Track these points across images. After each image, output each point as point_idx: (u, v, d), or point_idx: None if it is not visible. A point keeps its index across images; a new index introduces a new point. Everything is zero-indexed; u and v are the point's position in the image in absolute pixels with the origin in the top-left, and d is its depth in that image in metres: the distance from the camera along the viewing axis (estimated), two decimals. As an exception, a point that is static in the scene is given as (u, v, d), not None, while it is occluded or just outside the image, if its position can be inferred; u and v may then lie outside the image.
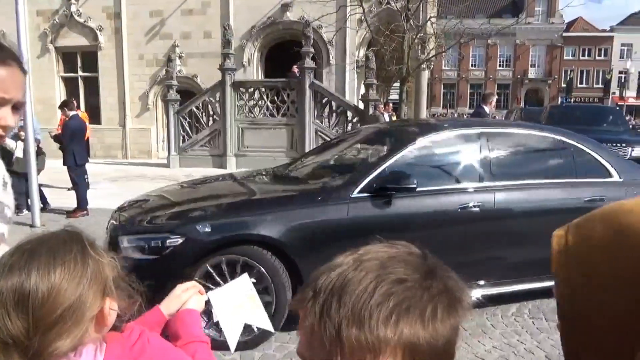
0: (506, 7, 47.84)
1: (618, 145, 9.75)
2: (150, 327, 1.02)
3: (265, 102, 13.52)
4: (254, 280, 1.24)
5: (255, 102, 13.70)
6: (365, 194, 3.61)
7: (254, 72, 17.18)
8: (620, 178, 4.36)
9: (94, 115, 16.47)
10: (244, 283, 1.21)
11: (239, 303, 1.16)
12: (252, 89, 13.73)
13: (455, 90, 50.34)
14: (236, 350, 3.59)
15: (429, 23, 11.84)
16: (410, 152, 3.93)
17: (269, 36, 17.14)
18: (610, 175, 4.37)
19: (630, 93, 43.99)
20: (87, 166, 8.16)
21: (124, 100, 17.29)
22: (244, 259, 3.36)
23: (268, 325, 1.19)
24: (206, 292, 1.18)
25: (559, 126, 7.85)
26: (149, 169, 13.52)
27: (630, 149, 9.71)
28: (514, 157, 4.42)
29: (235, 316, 1.14)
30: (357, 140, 5.25)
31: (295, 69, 14.10)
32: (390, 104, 14.65)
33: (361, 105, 13.32)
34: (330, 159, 5.10)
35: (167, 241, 3.30)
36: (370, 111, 12.42)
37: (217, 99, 13.63)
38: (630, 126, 13.78)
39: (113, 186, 10.34)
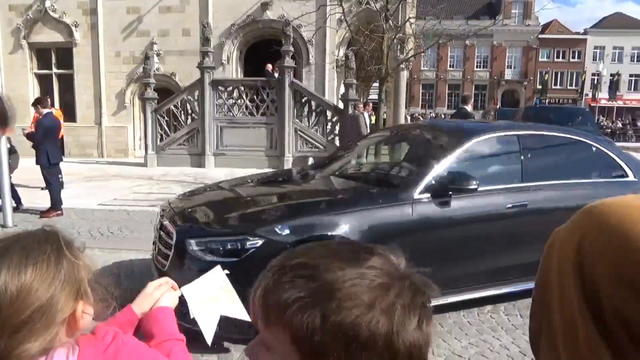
0: (483, 9, 48.54)
1: None
2: (122, 327, 1.00)
3: (244, 101, 13.44)
4: (228, 272, 1.21)
5: (234, 101, 13.61)
6: (426, 195, 3.71)
7: (233, 70, 17.06)
8: (635, 177, 4.59)
9: (69, 113, 16.13)
10: (218, 275, 1.19)
11: (214, 296, 1.14)
12: (231, 88, 13.64)
13: (433, 90, 50.86)
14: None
15: (407, 23, 11.93)
16: (460, 153, 4.06)
17: (248, 34, 17.04)
18: (627, 175, 4.60)
19: (603, 95, 45.07)
20: (62, 165, 7.99)
21: (100, 98, 16.97)
22: None
23: (245, 316, 1.17)
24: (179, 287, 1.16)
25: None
26: (125, 168, 13.31)
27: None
28: (548, 158, 4.63)
29: (210, 309, 1.13)
30: (395, 141, 5.36)
31: (269, 66, 14.07)
32: (370, 104, 14.72)
33: (341, 105, 13.35)
34: (377, 160, 5.18)
35: (247, 243, 3.25)
36: (350, 111, 12.46)
37: (196, 97, 13.50)
38: (599, 127, 14.31)
39: (88, 186, 10.15)
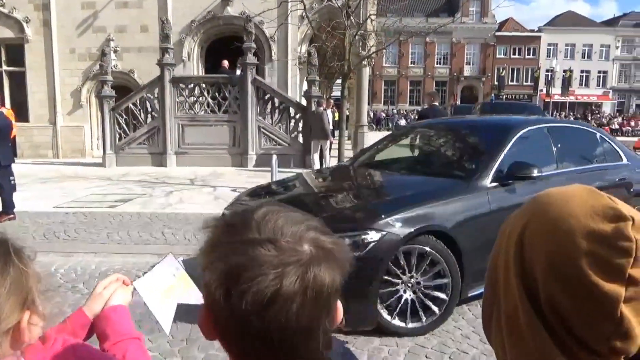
0: (443, 7, 49.48)
1: None
2: (74, 332, 0.97)
3: (206, 98, 13.24)
4: (183, 259, 1.19)
5: (195, 99, 13.38)
6: (495, 183, 4.04)
7: (194, 67, 16.76)
8: (628, 161, 5.42)
9: (21, 112, 15.47)
10: (171, 264, 1.16)
11: (168, 285, 1.11)
12: (192, 85, 13.41)
13: (395, 87, 51.54)
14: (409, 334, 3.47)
15: (369, 20, 12.02)
16: (512, 145, 4.41)
17: (209, 31, 16.77)
18: (622, 159, 5.39)
19: (556, 90, 46.76)
20: (14, 167, 7.65)
21: (54, 96, 16.34)
22: (428, 250, 3.53)
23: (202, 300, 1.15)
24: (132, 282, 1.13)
25: None
26: (83, 168, 12.89)
27: None
28: (571, 146, 5.13)
29: (166, 299, 1.10)
30: (436, 135, 5.62)
31: (225, 63, 13.91)
32: (332, 101, 14.78)
33: (304, 102, 13.35)
34: (432, 152, 5.42)
35: (367, 238, 3.33)
36: (313, 107, 12.47)
37: (156, 95, 13.21)
38: None
39: (43, 188, 9.77)
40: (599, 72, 52.18)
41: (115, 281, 1.10)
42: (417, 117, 10.57)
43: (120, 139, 13.23)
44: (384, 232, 3.36)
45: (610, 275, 0.57)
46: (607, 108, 51.01)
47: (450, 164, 4.92)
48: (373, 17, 12.93)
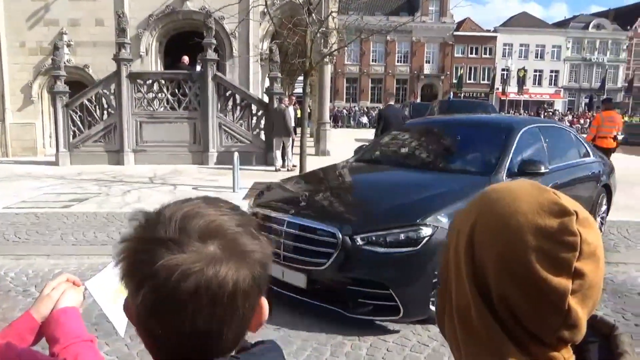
0: (403, 6, 50.26)
1: None
2: (21, 336, 0.92)
3: (165, 94, 12.94)
4: None
5: (154, 95, 13.06)
6: (509, 179, 4.31)
7: (153, 63, 16.35)
8: (594, 157, 6.08)
9: (-34, 108, 14.67)
10: None
11: (119, 286, 1.08)
12: (150, 81, 13.07)
13: (357, 84, 51.95)
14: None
15: (330, 18, 12.05)
16: (518, 142, 4.85)
17: (167, 25, 16.39)
18: (590, 155, 6.06)
19: (512, 89, 48.33)
20: (-42, 165, 7.26)
21: (2, 92, 15.55)
22: None
23: None
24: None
25: None
26: (34, 167, 12.36)
27: None
28: (555, 143, 5.54)
29: (120, 299, 1.06)
30: (443, 132, 5.85)
31: (185, 58, 13.65)
32: (294, 98, 14.75)
33: (266, 99, 13.26)
34: (445, 149, 5.53)
35: (422, 232, 3.45)
36: (275, 104, 12.41)
37: (112, 91, 12.80)
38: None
39: (-9, 187, 9.31)
40: (551, 71, 54.30)
41: (64, 282, 1.05)
42: (377, 115, 10.96)
43: (74, 136, 12.76)
44: (436, 227, 3.47)
45: (557, 270, 0.59)
46: (559, 106, 53.16)
47: (467, 161, 5.11)
48: (334, 14, 12.97)
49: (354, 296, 3.50)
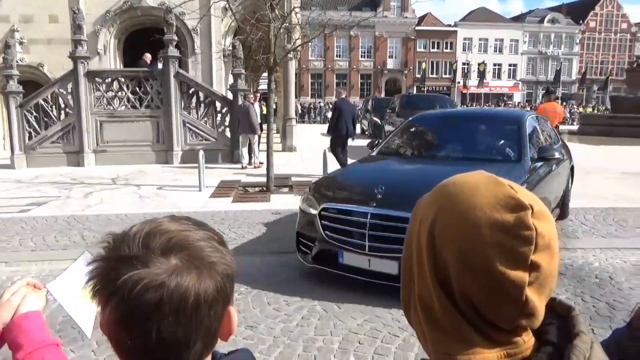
0: (365, 1, 50.53)
1: None
2: None
3: (125, 93, 12.60)
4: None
5: (114, 94, 12.69)
6: (531, 163, 5.10)
7: (111, 60, 15.90)
8: (561, 141, 7.04)
9: None
10: (87, 261, 1.08)
11: (83, 287, 1.04)
12: (110, 79, 12.69)
13: (322, 80, 52.02)
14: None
15: (293, 13, 12.00)
16: (528, 131, 5.52)
17: (126, 22, 15.96)
18: (559, 140, 7.06)
19: (472, 82, 49.47)
20: None
21: (-50, 92, 14.80)
22: None
23: None
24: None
25: (406, 112, 10.03)
26: (-12, 171, 11.82)
27: None
28: (543, 130, 6.40)
29: (85, 301, 1.02)
30: (461, 123, 6.32)
31: (147, 56, 13.34)
32: (259, 94, 14.63)
33: (230, 95, 13.10)
34: (462, 139, 5.90)
35: None
36: (240, 101, 12.28)
37: (69, 90, 12.36)
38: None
39: (-58, 193, 8.85)
40: (510, 65, 55.83)
41: (25, 286, 1.01)
42: (332, 108, 11.33)
43: (30, 137, 12.27)
44: None
45: (514, 264, 0.61)
46: (518, 98, 54.74)
47: (492, 150, 5.60)
48: (297, 9, 12.92)
49: None
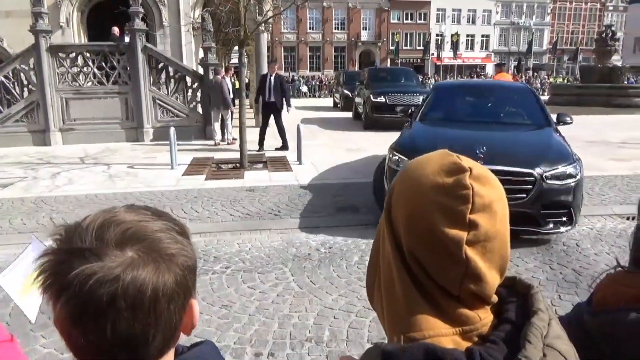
0: (337, -29, 49.55)
1: (412, 94, 14.10)
2: None
3: (91, 68, 12.15)
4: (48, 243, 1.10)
5: (79, 69, 12.23)
6: (553, 126, 6.06)
7: (75, 34, 15.29)
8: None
9: None
10: (36, 248, 1.04)
11: (31, 276, 1.01)
12: (74, 54, 12.20)
13: (295, 53, 51.22)
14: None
15: (263, -16, 11.69)
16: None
17: (89, -7, 15.31)
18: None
19: (446, 54, 49.50)
20: None
21: None
22: None
23: None
24: None
25: (375, 84, 10.98)
26: (-51, 152, 11.35)
27: (420, 96, 13.37)
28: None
29: (31, 289, 0.99)
30: (481, 94, 7.25)
31: (115, 29, 12.86)
32: (232, 69, 14.33)
33: (201, 70, 12.80)
34: (493, 106, 6.79)
35: (577, 167, 4.98)
36: (211, 76, 12.01)
37: (32, 66, 11.85)
38: (420, 81, 19.02)
39: None
40: (482, 36, 55.94)
41: None
42: (258, 84, 11.27)
43: (-8, 116, 11.78)
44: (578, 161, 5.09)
45: (453, 222, 0.64)
46: (490, 70, 55.11)
47: (523, 117, 6.55)
48: (268, -20, 12.59)
49: (545, 217, 4.82)
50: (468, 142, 5.28)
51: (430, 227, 0.64)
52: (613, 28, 24.84)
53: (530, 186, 4.73)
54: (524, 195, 4.72)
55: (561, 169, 4.88)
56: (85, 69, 12.23)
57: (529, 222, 4.76)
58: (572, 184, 4.86)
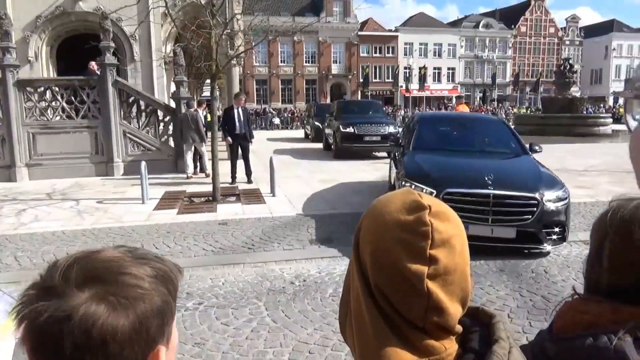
0: (308, 6, 50.84)
1: (378, 124, 14.97)
2: None
3: (60, 103, 12.00)
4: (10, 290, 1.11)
5: (47, 104, 12.06)
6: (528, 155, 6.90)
7: (44, 68, 15.13)
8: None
9: None
10: (3, 300, 1.04)
11: (6, 321, 1.01)
12: (42, 88, 12.05)
13: (267, 86, 51.78)
14: None
15: (235, 19, 11.90)
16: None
17: (59, 28, 15.24)
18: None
19: (414, 86, 50.86)
20: None
21: None
22: None
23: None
24: None
25: (344, 115, 11.69)
26: None
27: (386, 127, 14.89)
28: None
29: (4, 335, 0.98)
30: (458, 126, 8.15)
31: (93, 65, 12.80)
32: (204, 103, 14.37)
33: (173, 104, 12.79)
34: (474, 136, 7.63)
35: (567, 191, 5.78)
36: (183, 109, 12.01)
37: (-3, 100, 11.63)
38: (387, 113, 20.40)
39: None
40: (449, 68, 57.88)
41: None
42: (223, 114, 11.21)
43: (-46, 152, 11.43)
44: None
45: (415, 257, 0.68)
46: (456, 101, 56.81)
47: (501, 145, 7.26)
48: (239, 16, 12.82)
49: (545, 235, 5.42)
50: (474, 168, 6.08)
51: (393, 262, 0.68)
52: (571, 61, 26.12)
53: (534, 209, 5.39)
54: (529, 216, 5.38)
55: (555, 192, 5.58)
56: (54, 103, 12.07)
57: (532, 240, 5.45)
58: (564, 206, 5.56)
